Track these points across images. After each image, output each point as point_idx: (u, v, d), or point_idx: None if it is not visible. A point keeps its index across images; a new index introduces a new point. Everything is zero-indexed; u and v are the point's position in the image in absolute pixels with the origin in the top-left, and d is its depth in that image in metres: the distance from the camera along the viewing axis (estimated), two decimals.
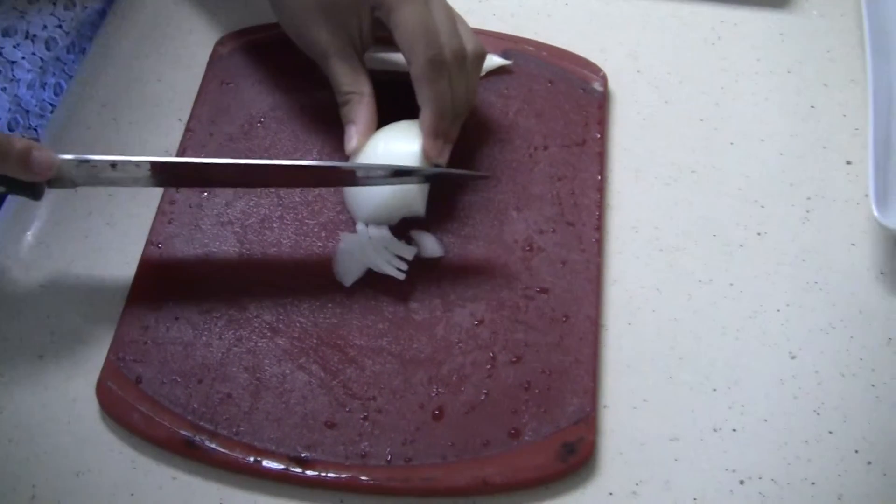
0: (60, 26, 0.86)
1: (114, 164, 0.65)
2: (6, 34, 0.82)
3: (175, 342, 0.68)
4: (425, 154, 0.69)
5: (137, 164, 0.66)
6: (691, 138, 0.78)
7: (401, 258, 0.69)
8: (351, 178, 0.69)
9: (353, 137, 0.71)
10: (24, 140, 0.62)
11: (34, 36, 0.84)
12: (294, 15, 0.72)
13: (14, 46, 0.83)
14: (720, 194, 0.75)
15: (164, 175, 0.67)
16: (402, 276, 0.69)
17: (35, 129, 0.86)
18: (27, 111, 0.85)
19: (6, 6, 0.81)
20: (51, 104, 0.87)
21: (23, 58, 0.83)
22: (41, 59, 0.85)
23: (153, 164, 0.66)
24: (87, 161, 0.65)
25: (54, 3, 0.85)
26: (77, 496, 0.64)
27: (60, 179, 0.65)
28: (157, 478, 0.64)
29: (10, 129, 0.83)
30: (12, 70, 0.83)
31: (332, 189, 0.74)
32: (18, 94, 0.83)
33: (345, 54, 0.71)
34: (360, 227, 0.70)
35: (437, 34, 0.67)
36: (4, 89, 0.82)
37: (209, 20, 0.88)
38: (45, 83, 0.87)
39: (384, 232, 0.70)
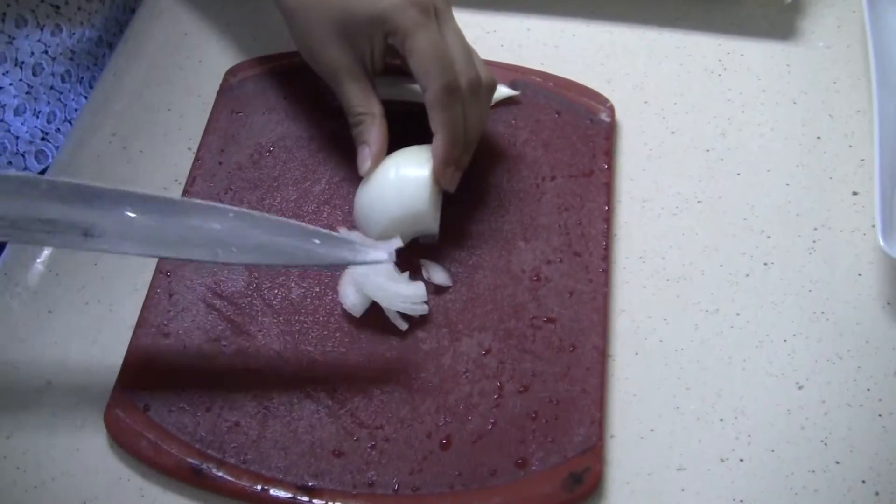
0: (46, 52, 0.87)
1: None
2: None
3: (183, 370, 0.68)
4: (436, 180, 0.69)
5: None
6: (697, 169, 0.78)
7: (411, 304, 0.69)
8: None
9: (366, 159, 0.71)
10: None
11: (22, 63, 0.85)
12: (308, 34, 0.72)
13: (3, 74, 0.83)
14: (726, 224, 0.75)
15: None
16: (404, 327, 0.69)
17: (23, 156, 0.86)
18: (17, 137, 0.85)
19: None
20: (42, 131, 0.87)
21: (10, 84, 0.84)
22: (28, 84, 0.86)
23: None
24: None
25: (41, 29, 0.86)
26: None
27: None
28: None
29: None
30: None
31: (340, 218, 0.75)
32: (6, 120, 0.84)
33: (356, 75, 0.71)
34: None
35: (451, 61, 0.68)
36: None
37: (219, 50, 0.89)
38: (39, 111, 0.87)
39: (389, 266, 0.70)
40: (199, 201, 0.64)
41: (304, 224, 0.65)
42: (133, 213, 0.62)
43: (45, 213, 0.61)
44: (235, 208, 0.64)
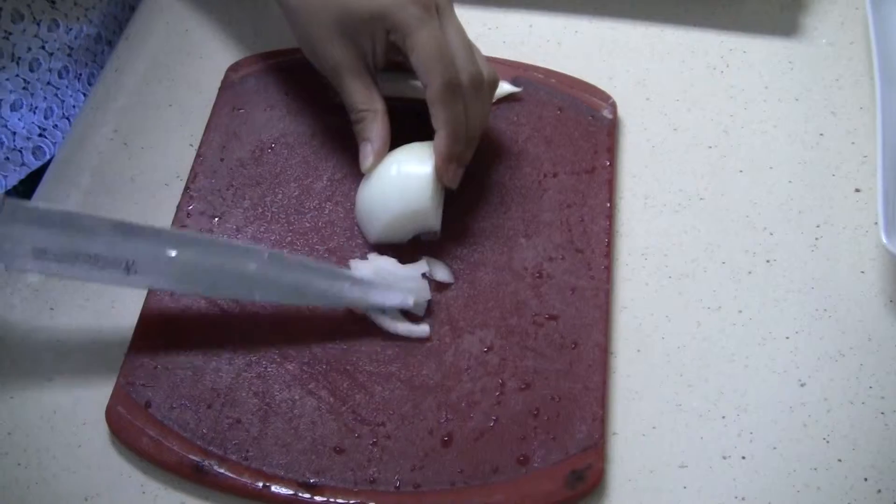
0: (43, 47, 0.86)
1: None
2: None
3: (184, 367, 0.68)
4: (438, 177, 0.69)
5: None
6: (700, 165, 0.78)
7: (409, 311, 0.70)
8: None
9: (368, 156, 0.71)
10: None
11: (19, 58, 0.85)
12: (309, 31, 0.72)
13: (0, 69, 0.84)
14: (729, 221, 0.75)
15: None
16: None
17: (20, 152, 0.86)
18: (14, 133, 0.85)
19: None
20: (39, 127, 0.87)
21: (7, 79, 0.84)
22: (24, 79, 0.85)
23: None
24: None
25: (38, 24, 0.86)
26: None
27: None
28: (165, 503, 0.64)
29: None
30: None
31: (341, 215, 0.75)
32: (2, 115, 0.84)
33: (358, 72, 0.71)
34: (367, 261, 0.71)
35: (453, 58, 0.68)
36: None
37: (221, 46, 0.89)
38: (36, 107, 0.87)
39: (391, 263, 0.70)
40: (235, 242, 0.70)
41: (336, 267, 0.69)
42: (172, 251, 0.66)
43: (90, 248, 0.65)
44: (270, 250, 0.69)
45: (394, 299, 0.69)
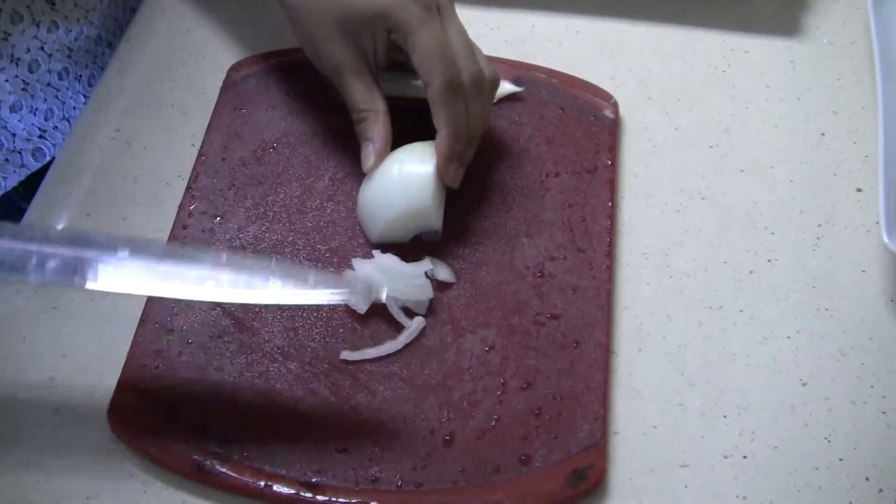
0: (43, 48, 0.86)
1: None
2: None
3: (187, 366, 0.68)
4: (440, 176, 0.69)
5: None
6: (701, 165, 0.78)
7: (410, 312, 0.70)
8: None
9: (370, 156, 0.71)
10: None
11: (18, 59, 0.85)
12: (310, 31, 0.72)
13: None
14: (730, 221, 0.75)
15: None
16: (407, 323, 0.69)
17: (20, 153, 0.86)
18: (14, 134, 0.85)
19: None
20: (39, 129, 0.87)
21: (6, 80, 0.84)
22: (24, 81, 0.85)
23: None
24: None
25: (37, 26, 0.85)
26: None
27: None
28: (167, 502, 0.65)
29: None
30: None
31: (343, 214, 0.75)
32: (2, 116, 0.84)
33: (360, 72, 0.71)
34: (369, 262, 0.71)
35: (454, 57, 0.68)
36: None
37: (222, 46, 0.89)
38: (36, 109, 0.87)
39: (394, 261, 0.70)
40: (192, 247, 0.65)
41: (300, 267, 0.66)
42: (125, 254, 0.61)
43: (38, 256, 0.60)
44: (229, 252, 0.65)
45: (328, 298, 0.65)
